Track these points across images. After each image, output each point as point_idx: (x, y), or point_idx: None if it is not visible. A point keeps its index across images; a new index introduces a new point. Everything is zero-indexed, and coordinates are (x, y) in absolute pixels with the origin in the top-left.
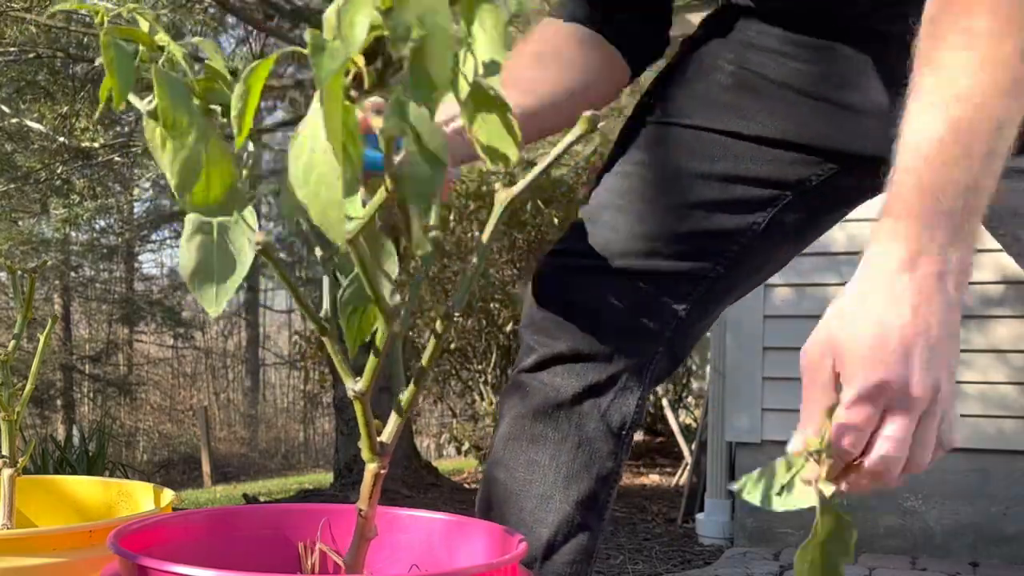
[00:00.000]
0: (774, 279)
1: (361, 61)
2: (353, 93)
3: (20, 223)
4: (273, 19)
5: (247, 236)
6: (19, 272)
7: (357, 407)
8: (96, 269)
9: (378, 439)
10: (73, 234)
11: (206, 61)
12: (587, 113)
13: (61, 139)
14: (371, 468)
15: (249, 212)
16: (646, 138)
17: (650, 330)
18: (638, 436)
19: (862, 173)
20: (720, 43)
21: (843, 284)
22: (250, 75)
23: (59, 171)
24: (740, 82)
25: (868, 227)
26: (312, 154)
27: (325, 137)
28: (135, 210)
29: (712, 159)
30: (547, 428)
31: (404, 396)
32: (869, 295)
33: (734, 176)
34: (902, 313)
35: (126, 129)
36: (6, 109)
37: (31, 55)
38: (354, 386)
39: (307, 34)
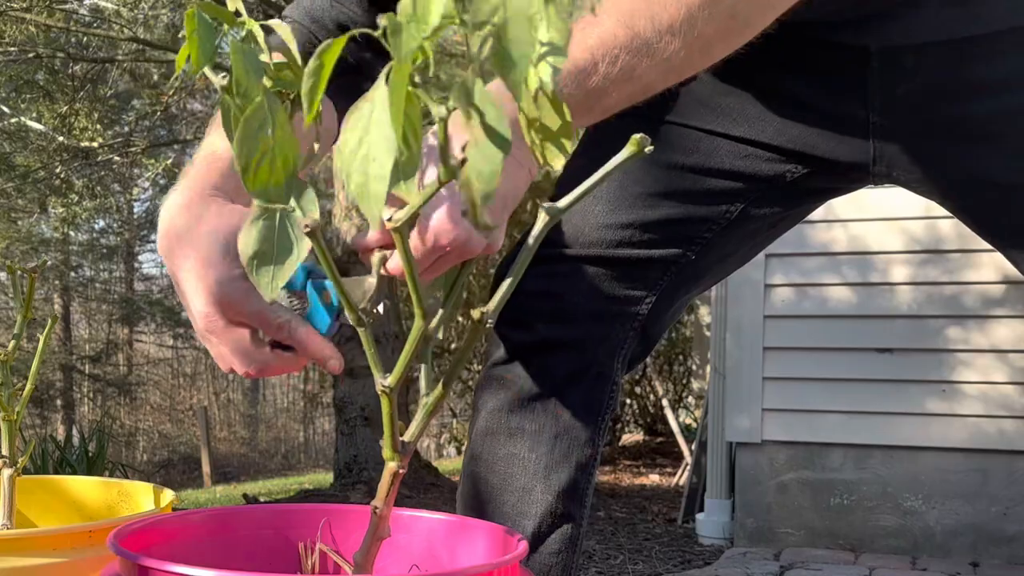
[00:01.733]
0: (775, 279)
1: (431, 51)
2: (418, 79)
3: (19, 223)
4: (272, 19)
5: (300, 218)
6: (19, 272)
7: (384, 403)
8: (96, 269)
9: (400, 438)
10: (73, 234)
11: (280, 45)
12: (636, 136)
13: (60, 139)
14: (391, 467)
15: (311, 196)
16: (618, 130)
17: (621, 316)
18: (638, 436)
19: (838, 176)
20: None
21: (843, 284)
22: (325, 51)
23: (58, 171)
24: (719, 82)
25: (869, 227)
26: (369, 124)
27: (386, 113)
28: (135, 210)
29: (686, 152)
30: (524, 420)
31: (431, 398)
32: None
33: (707, 168)
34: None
35: (126, 129)
36: (5, 109)
37: (30, 55)
38: (383, 381)
39: (382, 18)
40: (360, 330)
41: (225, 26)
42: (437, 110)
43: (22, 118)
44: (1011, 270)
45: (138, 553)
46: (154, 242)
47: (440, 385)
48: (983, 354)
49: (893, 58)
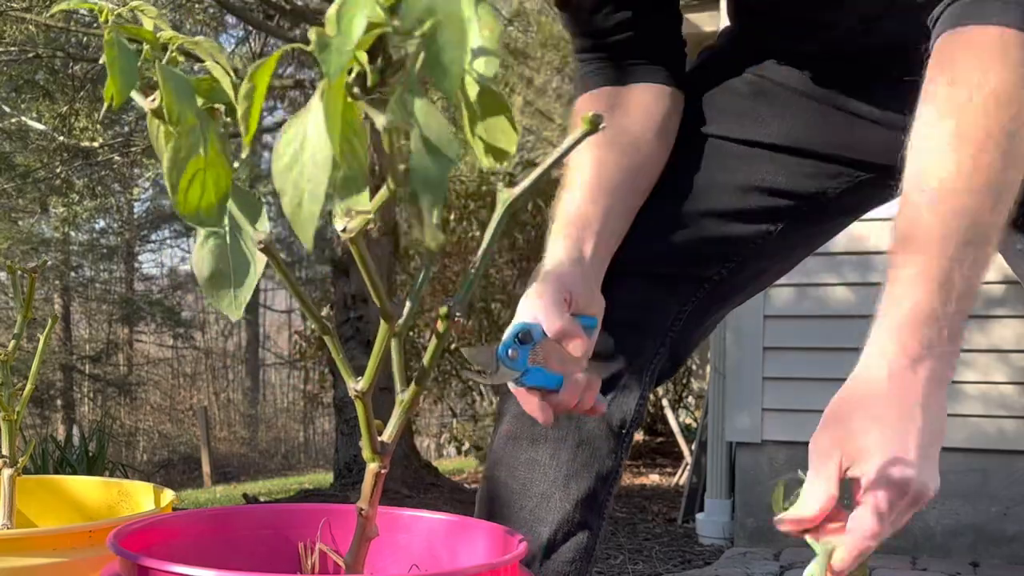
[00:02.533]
0: None
1: (364, 59)
2: (356, 91)
3: (20, 223)
4: (273, 19)
5: (251, 235)
6: (19, 272)
7: (358, 406)
8: (96, 269)
9: (379, 439)
10: (73, 234)
11: (209, 61)
12: (589, 113)
13: (60, 138)
14: (372, 468)
15: (262, 212)
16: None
17: (652, 330)
18: (638, 436)
19: (878, 181)
20: (739, 52)
21: (843, 284)
22: (256, 72)
23: (58, 170)
24: (757, 89)
25: (870, 227)
26: (303, 144)
27: (320, 130)
28: (135, 210)
29: (729, 169)
30: (547, 427)
31: (405, 396)
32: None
33: (750, 186)
34: (915, 415)
35: (126, 128)
36: (6, 108)
37: (30, 55)
38: (355, 385)
39: (311, 32)
40: (326, 337)
41: (146, 47)
42: (379, 120)
43: (22, 118)
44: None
45: (138, 553)
46: (154, 242)
47: (413, 383)
48: (983, 354)
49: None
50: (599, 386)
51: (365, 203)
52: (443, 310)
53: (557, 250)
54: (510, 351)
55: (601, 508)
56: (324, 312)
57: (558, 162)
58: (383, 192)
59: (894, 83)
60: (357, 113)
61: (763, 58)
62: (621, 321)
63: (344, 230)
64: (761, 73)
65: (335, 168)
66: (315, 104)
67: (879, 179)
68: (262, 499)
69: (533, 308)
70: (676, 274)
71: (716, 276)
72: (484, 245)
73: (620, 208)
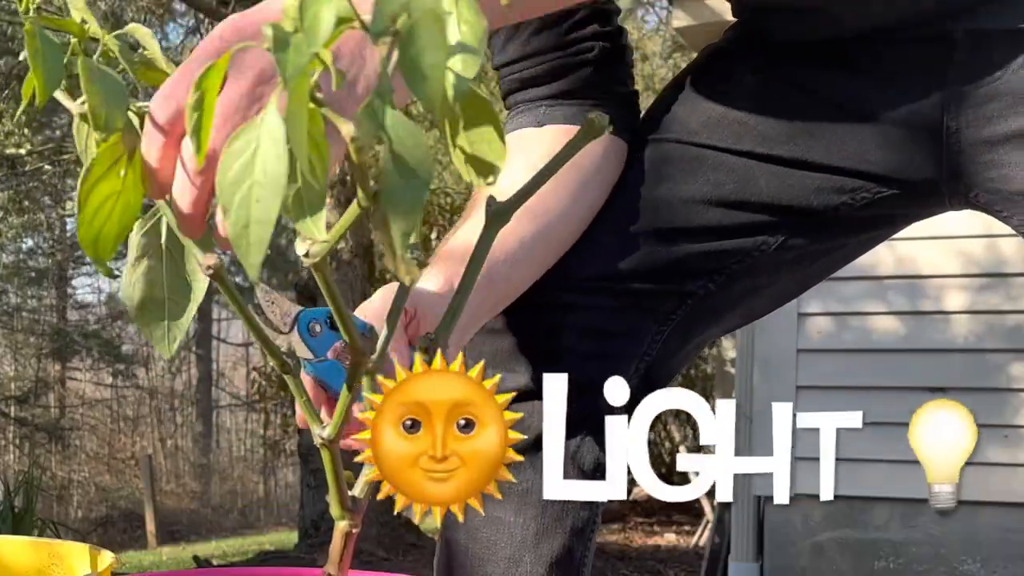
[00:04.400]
0: (810, 307)
1: (329, 58)
2: (319, 95)
3: None
4: (228, 5)
5: (198, 259)
6: None
7: (325, 456)
8: (23, 296)
9: (349, 493)
10: None
11: (143, 51)
12: (592, 114)
13: None
14: (341, 527)
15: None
16: (635, 155)
17: (624, 355)
18: None
19: (904, 200)
20: (741, 51)
21: (890, 312)
22: (205, 76)
23: None
24: (760, 93)
25: (920, 247)
26: (254, 157)
27: (276, 142)
28: (67, 227)
29: (716, 183)
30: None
31: None
32: None
33: (740, 202)
34: None
35: (57, 134)
36: None
37: None
38: (321, 432)
39: (265, 28)
40: (287, 377)
41: (73, 40)
42: (346, 129)
43: None
44: None
45: None
46: (90, 264)
47: None
48: None
49: (980, 45)
50: None
51: (320, 227)
52: (421, 344)
53: (424, 283)
54: (315, 324)
55: (580, 568)
56: (284, 346)
57: (552, 172)
58: (352, 210)
59: (929, 70)
60: (319, 122)
61: (769, 55)
62: (588, 349)
63: (307, 255)
64: (765, 74)
65: (299, 183)
66: (271, 111)
67: (906, 195)
68: (215, 562)
69: (368, 309)
70: (651, 291)
71: (701, 290)
72: (469, 269)
73: (523, 255)
